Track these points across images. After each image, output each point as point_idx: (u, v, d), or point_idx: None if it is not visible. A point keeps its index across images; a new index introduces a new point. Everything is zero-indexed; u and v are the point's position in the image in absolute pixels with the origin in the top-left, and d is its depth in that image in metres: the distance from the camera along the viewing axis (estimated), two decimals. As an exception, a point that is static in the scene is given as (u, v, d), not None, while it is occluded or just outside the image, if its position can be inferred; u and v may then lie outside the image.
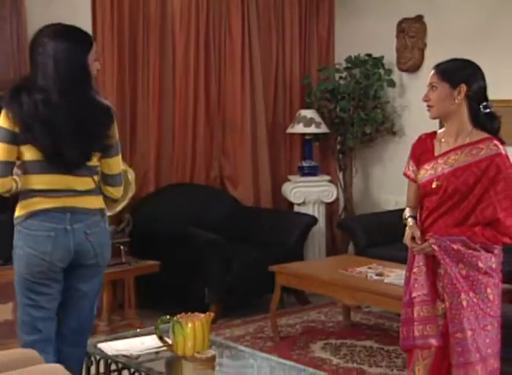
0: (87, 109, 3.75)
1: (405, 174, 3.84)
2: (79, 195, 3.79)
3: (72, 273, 3.83)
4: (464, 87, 3.59)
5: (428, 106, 3.68)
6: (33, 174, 3.75)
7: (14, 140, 3.69)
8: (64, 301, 3.87)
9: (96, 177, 3.86)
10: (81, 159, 3.75)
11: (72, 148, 3.69)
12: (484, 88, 3.65)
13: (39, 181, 3.75)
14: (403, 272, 5.14)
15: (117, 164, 3.90)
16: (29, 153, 3.71)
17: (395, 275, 5.36)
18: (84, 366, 4.00)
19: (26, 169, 3.75)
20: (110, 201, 4.03)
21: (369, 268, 5.64)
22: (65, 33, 3.82)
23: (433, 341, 3.64)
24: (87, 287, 3.88)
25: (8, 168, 3.72)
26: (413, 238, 3.69)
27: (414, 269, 3.69)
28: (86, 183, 3.81)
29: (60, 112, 3.67)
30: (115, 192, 3.96)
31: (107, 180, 3.89)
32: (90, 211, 3.81)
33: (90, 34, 3.96)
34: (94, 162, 3.82)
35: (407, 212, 3.82)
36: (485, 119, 3.64)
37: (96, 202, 3.86)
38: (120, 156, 3.92)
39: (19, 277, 3.82)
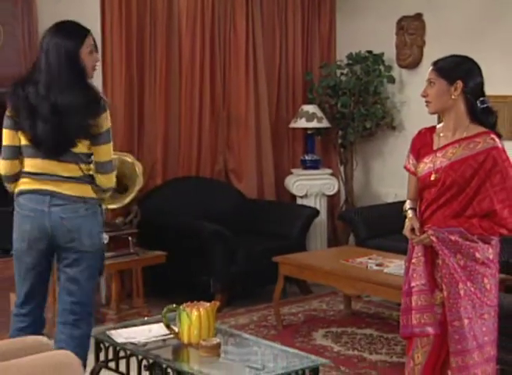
0: (71, 100, 3.85)
1: (405, 167, 3.85)
2: (61, 181, 3.93)
3: (58, 255, 4.03)
4: (460, 84, 3.58)
5: (427, 101, 3.68)
6: (26, 158, 3.97)
7: (14, 126, 3.94)
8: (59, 282, 4.09)
9: (84, 166, 3.95)
10: (61, 146, 3.89)
11: (46, 136, 3.86)
12: (481, 84, 3.64)
13: (30, 164, 3.96)
14: (402, 262, 5.16)
15: (106, 152, 3.96)
16: (22, 138, 3.94)
17: (394, 265, 5.36)
18: (93, 353, 4.01)
19: (22, 152, 3.96)
20: (103, 191, 4.09)
21: (369, 258, 5.64)
22: (58, 28, 3.99)
23: (430, 330, 3.64)
24: (74, 271, 4.00)
25: (14, 151, 3.97)
26: (412, 230, 3.70)
27: (413, 260, 3.69)
28: (70, 169, 3.93)
29: (45, 102, 3.85)
30: (105, 179, 4.01)
31: (97, 167, 3.98)
32: (69, 197, 3.93)
33: (85, 28, 4.04)
34: (82, 149, 3.92)
35: (407, 205, 3.82)
36: (482, 114, 3.63)
37: (78, 190, 3.95)
38: (111, 144, 3.98)
39: (14, 251, 4.07)
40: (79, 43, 3.93)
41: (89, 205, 3.97)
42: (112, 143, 4.00)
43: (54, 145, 3.89)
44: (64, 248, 3.98)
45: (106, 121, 3.93)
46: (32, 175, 3.96)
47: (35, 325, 4.13)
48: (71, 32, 3.97)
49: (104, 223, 4.18)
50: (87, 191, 3.97)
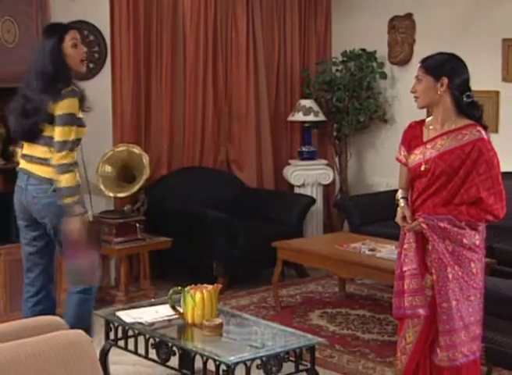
0: (37, 90, 4.09)
1: (397, 159, 3.83)
2: (35, 162, 4.16)
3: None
4: (445, 80, 3.58)
5: (415, 97, 3.68)
6: None
7: None
8: None
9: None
10: (27, 130, 4.14)
11: (18, 122, 4.16)
12: (466, 80, 3.64)
13: (24, 147, 4.28)
14: (394, 247, 5.17)
15: (58, 133, 4.06)
16: None
17: (386, 250, 5.36)
18: (104, 332, 4.02)
19: None
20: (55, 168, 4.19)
21: (362, 244, 5.63)
22: (43, 30, 4.30)
23: (421, 311, 3.64)
24: (58, 246, 4.24)
25: None
26: (404, 218, 3.69)
27: (405, 246, 3.69)
28: (43, 152, 4.13)
29: (21, 93, 4.16)
30: (55, 157, 4.06)
31: (53, 144, 4.11)
32: (39, 178, 4.12)
33: (66, 25, 4.29)
34: (50, 132, 4.10)
35: (399, 194, 3.82)
36: (468, 108, 3.63)
37: (46, 171, 4.11)
38: (65, 128, 4.05)
39: None
40: (59, 39, 4.10)
41: (56, 187, 4.07)
42: (67, 127, 4.05)
43: (22, 130, 4.15)
44: (40, 223, 4.18)
45: (66, 107, 4.04)
46: (22, 156, 4.28)
47: (39, 294, 4.28)
48: (50, 31, 4.19)
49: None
50: (54, 173, 4.10)
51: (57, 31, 4.16)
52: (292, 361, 3.55)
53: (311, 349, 3.58)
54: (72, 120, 4.06)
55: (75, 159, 4.15)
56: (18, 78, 5.31)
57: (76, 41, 4.14)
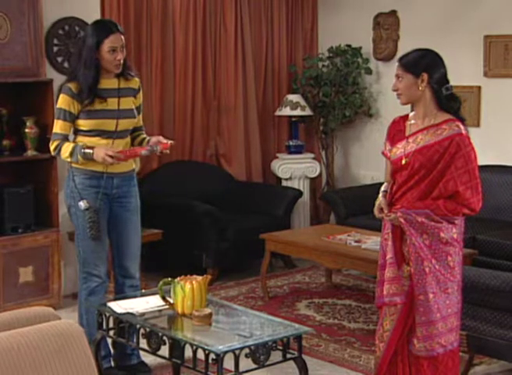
0: None
1: (383, 153, 3.84)
2: None
3: None
4: (425, 76, 3.59)
5: (398, 94, 3.69)
6: None
7: None
8: None
9: (75, 138, 4.29)
10: None
11: None
12: (444, 73, 3.65)
13: None
14: (379, 239, 5.16)
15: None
16: None
17: (371, 241, 5.37)
18: (96, 322, 4.01)
19: None
20: None
21: (348, 235, 5.65)
22: (91, 24, 4.30)
23: (397, 299, 3.65)
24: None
25: None
26: (381, 209, 3.72)
27: (385, 236, 3.71)
28: None
29: None
30: None
31: None
32: None
33: (109, 27, 4.20)
34: None
35: (383, 187, 3.84)
36: (447, 101, 3.65)
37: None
38: (55, 121, 4.22)
39: None
40: (97, 42, 4.10)
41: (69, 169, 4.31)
42: (55, 120, 4.22)
43: None
44: None
45: (58, 102, 4.21)
46: None
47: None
48: (95, 29, 4.18)
49: (75, 190, 4.26)
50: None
51: (100, 32, 4.12)
52: (279, 350, 3.54)
53: (298, 338, 3.58)
54: (58, 114, 4.21)
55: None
56: (10, 74, 5.31)
57: (114, 48, 4.11)
